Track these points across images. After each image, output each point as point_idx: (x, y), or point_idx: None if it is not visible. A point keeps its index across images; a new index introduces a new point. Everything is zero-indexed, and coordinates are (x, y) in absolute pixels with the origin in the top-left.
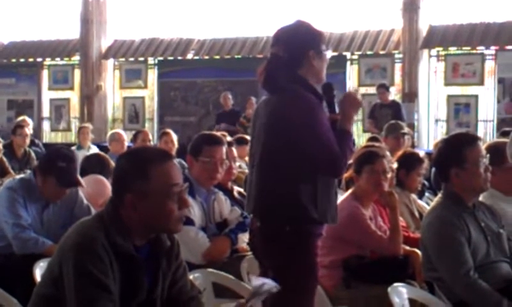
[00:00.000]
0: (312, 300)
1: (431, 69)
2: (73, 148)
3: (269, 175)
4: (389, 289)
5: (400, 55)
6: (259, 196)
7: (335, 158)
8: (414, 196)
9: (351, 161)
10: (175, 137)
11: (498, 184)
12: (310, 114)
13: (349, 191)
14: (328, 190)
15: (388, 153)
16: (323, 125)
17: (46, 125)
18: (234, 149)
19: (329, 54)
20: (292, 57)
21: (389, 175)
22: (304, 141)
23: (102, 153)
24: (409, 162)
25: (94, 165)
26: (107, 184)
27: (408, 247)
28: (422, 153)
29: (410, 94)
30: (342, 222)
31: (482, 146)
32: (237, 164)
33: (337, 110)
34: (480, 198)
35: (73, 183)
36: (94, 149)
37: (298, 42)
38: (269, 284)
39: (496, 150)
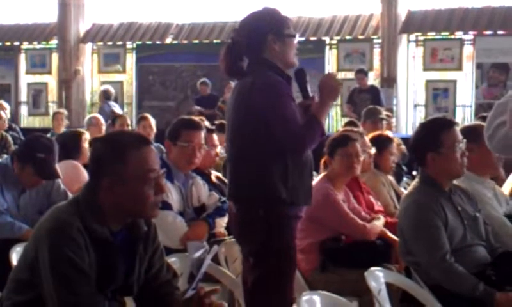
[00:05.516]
0: (290, 283)
1: (409, 54)
2: (48, 134)
3: (240, 159)
4: (366, 273)
5: (379, 41)
6: (233, 180)
7: (295, 136)
8: (391, 178)
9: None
10: (153, 121)
11: (473, 166)
12: (272, 93)
13: (322, 174)
14: (299, 170)
15: (366, 138)
16: (286, 104)
17: (23, 110)
18: (215, 136)
19: (296, 38)
20: (251, 42)
21: (361, 158)
22: (267, 120)
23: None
24: (379, 142)
25: (68, 141)
26: (82, 170)
27: (391, 234)
28: (390, 133)
29: (389, 80)
30: (315, 204)
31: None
32: (218, 149)
33: (310, 94)
34: (456, 181)
35: (51, 175)
36: None
37: (256, 27)
38: (202, 249)
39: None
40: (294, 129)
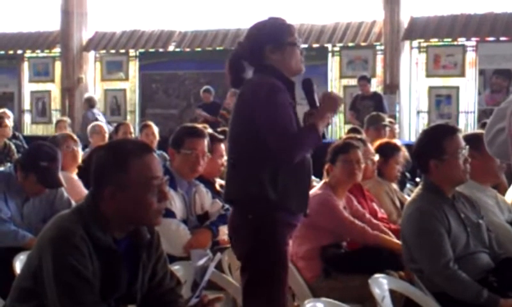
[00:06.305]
0: (281, 291)
1: (412, 61)
2: None
3: (235, 162)
4: (369, 280)
5: (382, 47)
6: (227, 183)
7: (284, 143)
8: (395, 186)
9: None
10: (156, 129)
11: (475, 174)
12: (267, 99)
13: (323, 181)
14: (292, 175)
15: (369, 146)
16: (280, 111)
17: (27, 118)
18: (223, 146)
19: (297, 46)
20: (253, 52)
21: (363, 165)
22: (259, 125)
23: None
24: (386, 150)
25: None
26: (79, 183)
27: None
28: (398, 142)
29: (392, 86)
30: (313, 209)
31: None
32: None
33: (317, 103)
34: (458, 189)
35: (54, 183)
36: None
37: (256, 37)
38: (205, 257)
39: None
40: (284, 136)
